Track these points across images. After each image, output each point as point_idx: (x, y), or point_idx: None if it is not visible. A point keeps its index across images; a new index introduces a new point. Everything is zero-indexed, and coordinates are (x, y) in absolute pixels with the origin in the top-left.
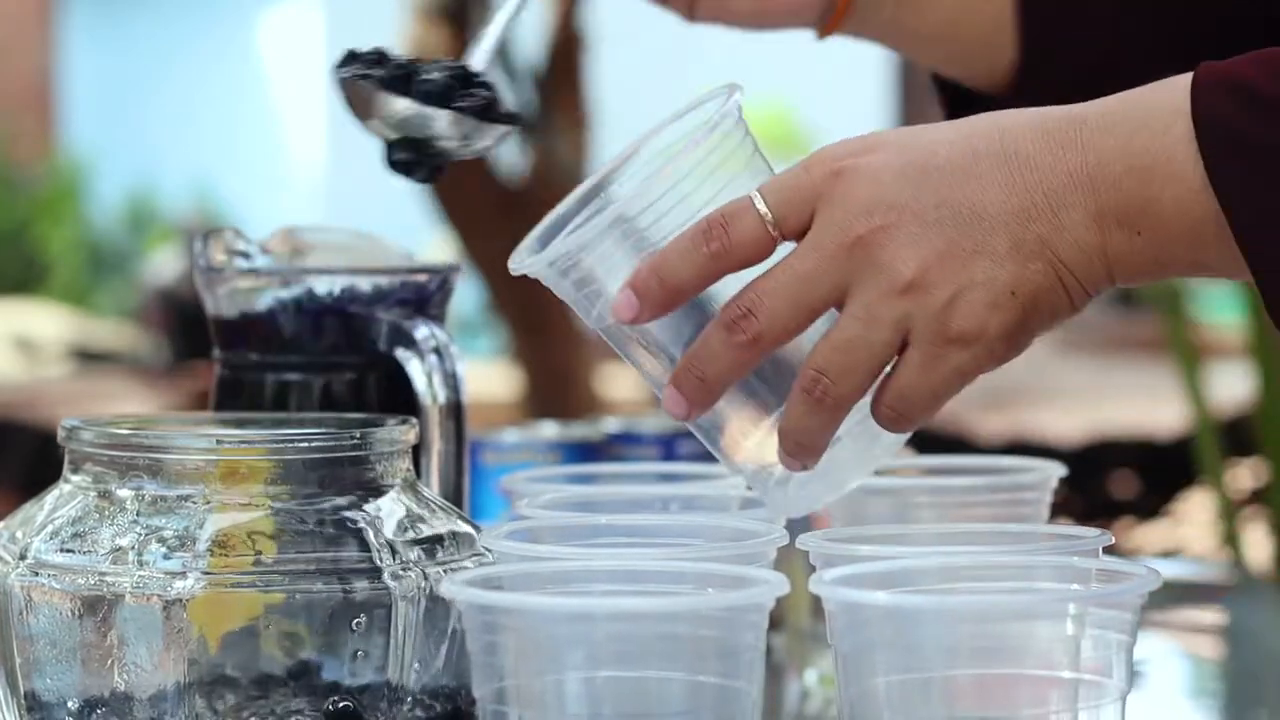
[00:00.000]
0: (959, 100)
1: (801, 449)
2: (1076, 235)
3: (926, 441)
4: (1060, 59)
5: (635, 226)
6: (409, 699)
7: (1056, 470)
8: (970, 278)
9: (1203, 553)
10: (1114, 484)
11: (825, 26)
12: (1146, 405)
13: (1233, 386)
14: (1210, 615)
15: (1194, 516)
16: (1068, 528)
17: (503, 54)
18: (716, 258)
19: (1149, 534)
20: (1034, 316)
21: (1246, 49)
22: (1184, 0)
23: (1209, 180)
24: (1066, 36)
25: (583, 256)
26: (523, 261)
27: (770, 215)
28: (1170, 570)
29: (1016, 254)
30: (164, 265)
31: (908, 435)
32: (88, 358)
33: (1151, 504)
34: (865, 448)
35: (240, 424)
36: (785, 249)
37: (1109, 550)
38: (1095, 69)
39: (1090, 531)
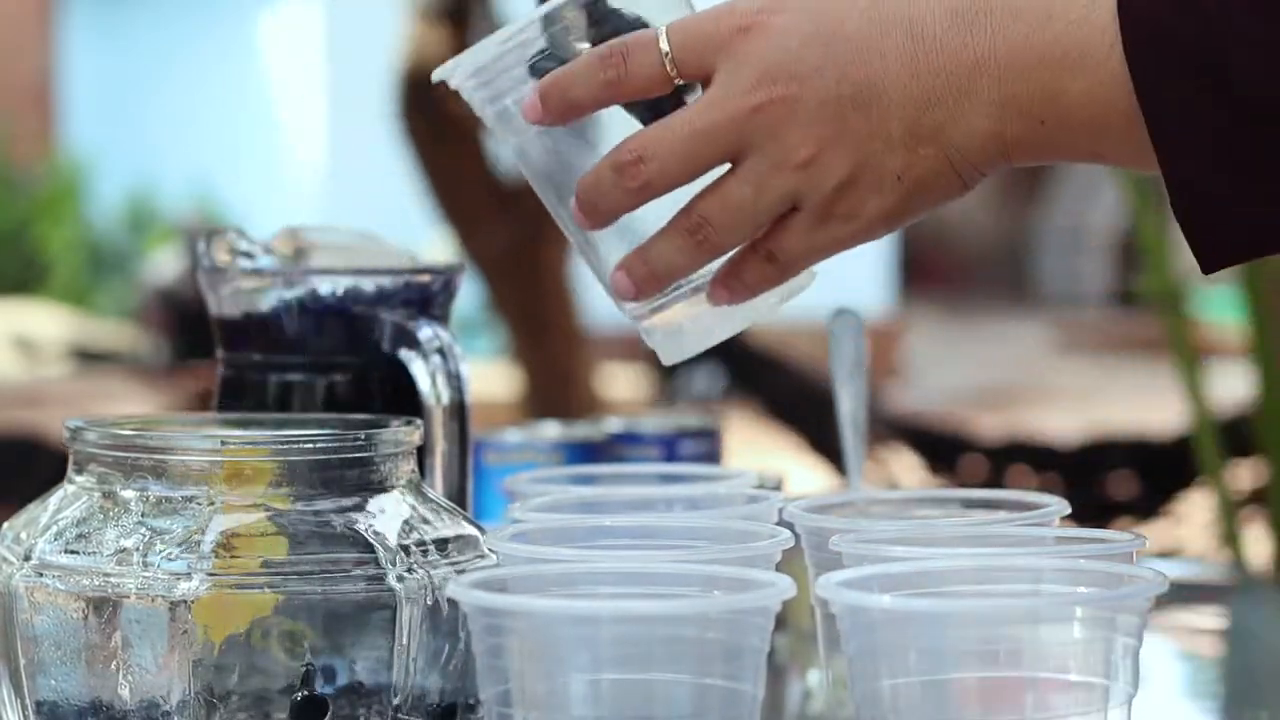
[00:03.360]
0: None
1: (653, 280)
2: (975, 123)
3: (926, 440)
4: None
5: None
6: (414, 701)
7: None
8: (860, 162)
9: (1202, 553)
10: (1113, 484)
11: None
12: (1146, 405)
13: (1233, 386)
14: (1210, 616)
15: (1193, 517)
16: (1099, 531)
17: None
18: (610, 85)
19: (1148, 534)
20: (918, 199)
21: None
22: None
23: (1130, 72)
24: None
25: (500, 72)
26: (447, 70)
27: (671, 55)
28: (1170, 570)
29: (910, 139)
30: (164, 265)
31: (781, 296)
32: (88, 358)
33: (1151, 504)
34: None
35: (244, 425)
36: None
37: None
38: None
39: (1120, 535)
